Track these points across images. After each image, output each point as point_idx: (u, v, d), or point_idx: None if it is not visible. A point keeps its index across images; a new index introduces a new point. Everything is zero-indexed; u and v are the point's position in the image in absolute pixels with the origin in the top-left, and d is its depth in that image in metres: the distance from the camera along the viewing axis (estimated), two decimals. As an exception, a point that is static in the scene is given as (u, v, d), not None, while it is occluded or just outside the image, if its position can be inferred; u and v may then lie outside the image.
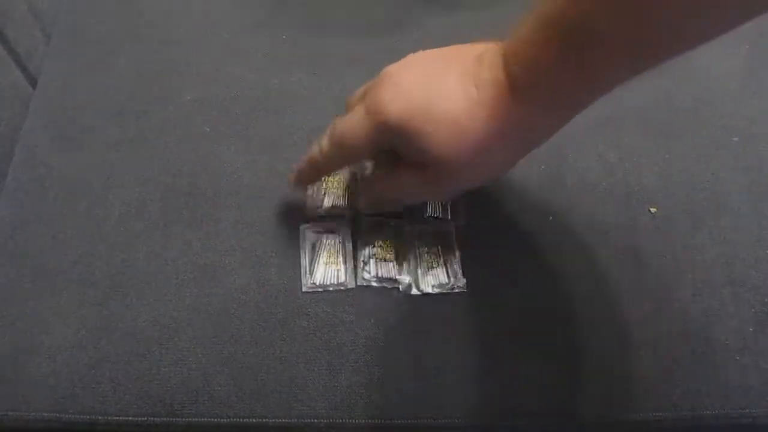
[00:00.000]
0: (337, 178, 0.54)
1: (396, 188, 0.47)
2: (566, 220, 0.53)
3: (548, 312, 0.50)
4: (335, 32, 0.65)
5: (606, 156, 0.56)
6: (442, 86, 0.42)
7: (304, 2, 0.68)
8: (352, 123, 0.44)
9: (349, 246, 0.52)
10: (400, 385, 0.48)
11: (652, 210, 0.54)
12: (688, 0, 0.31)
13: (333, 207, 0.53)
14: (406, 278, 0.51)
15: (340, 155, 0.46)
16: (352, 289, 0.51)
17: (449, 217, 0.53)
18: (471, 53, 0.43)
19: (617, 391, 0.48)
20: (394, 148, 0.44)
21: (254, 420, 0.47)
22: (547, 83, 0.38)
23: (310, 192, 0.54)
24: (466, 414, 0.47)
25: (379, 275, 0.51)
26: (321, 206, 0.53)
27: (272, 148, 0.57)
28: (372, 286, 0.51)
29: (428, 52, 0.45)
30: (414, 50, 0.62)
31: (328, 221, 0.53)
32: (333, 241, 0.52)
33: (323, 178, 0.54)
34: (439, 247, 0.52)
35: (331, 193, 0.54)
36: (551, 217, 0.53)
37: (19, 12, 0.65)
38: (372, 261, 0.51)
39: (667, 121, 0.59)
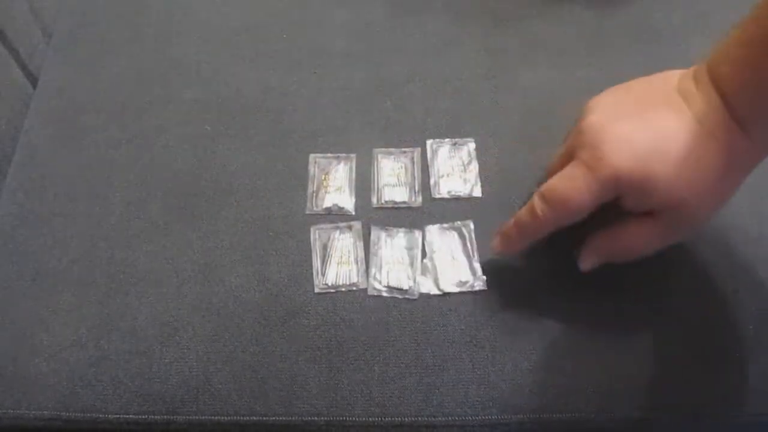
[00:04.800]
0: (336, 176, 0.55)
1: (628, 244, 0.44)
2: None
3: (548, 312, 0.50)
4: (335, 32, 0.65)
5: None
6: (660, 126, 0.40)
7: (303, 2, 0.68)
8: (575, 183, 0.41)
9: (361, 244, 0.52)
10: (400, 383, 0.48)
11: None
12: None
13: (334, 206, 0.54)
14: (426, 279, 0.51)
15: (561, 217, 0.43)
16: (365, 289, 0.50)
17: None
18: (668, 85, 0.41)
19: (617, 390, 0.48)
20: (621, 202, 0.42)
21: (254, 418, 0.47)
22: None
23: (311, 191, 0.54)
24: (466, 412, 0.47)
25: (390, 285, 0.51)
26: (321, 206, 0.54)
27: (272, 148, 0.57)
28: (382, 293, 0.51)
29: (616, 92, 0.44)
30: (414, 50, 0.63)
31: (338, 221, 0.53)
32: (345, 241, 0.52)
33: (323, 177, 0.55)
34: (458, 245, 0.52)
35: (331, 192, 0.54)
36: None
37: (19, 11, 0.65)
38: (384, 270, 0.51)
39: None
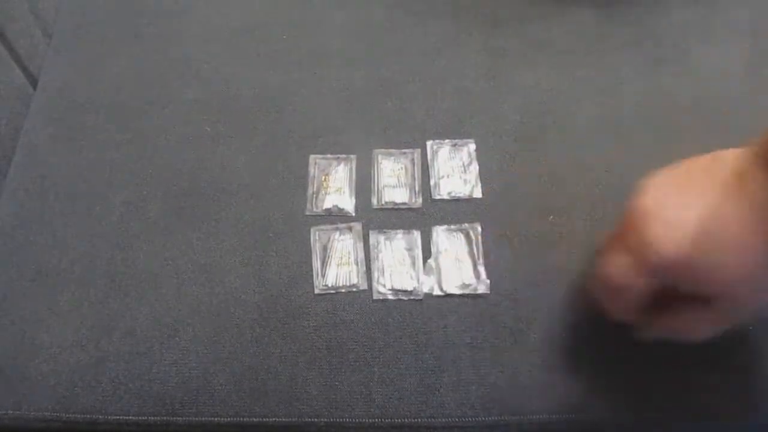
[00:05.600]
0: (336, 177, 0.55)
1: (683, 327, 0.43)
2: (567, 218, 0.53)
3: (549, 315, 0.50)
4: (335, 32, 0.65)
5: (607, 152, 0.56)
6: (712, 213, 0.38)
7: (303, 2, 0.68)
8: (622, 270, 0.41)
9: (361, 245, 0.52)
10: (400, 384, 0.48)
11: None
12: None
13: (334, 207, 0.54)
14: (429, 280, 0.51)
15: (619, 301, 0.43)
16: (365, 290, 0.50)
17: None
18: (723, 167, 0.39)
19: (617, 391, 0.48)
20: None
21: (254, 419, 0.47)
22: None
23: (311, 191, 0.54)
24: (466, 413, 0.47)
25: (395, 287, 0.51)
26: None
27: (272, 148, 0.57)
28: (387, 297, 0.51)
29: (672, 173, 0.42)
30: (414, 50, 0.63)
31: (338, 221, 0.53)
32: (345, 242, 0.52)
33: (323, 178, 0.55)
34: (464, 247, 0.52)
35: (332, 193, 0.54)
36: (552, 216, 0.53)
37: (19, 12, 0.65)
38: (387, 274, 0.51)
39: (668, 117, 0.59)
